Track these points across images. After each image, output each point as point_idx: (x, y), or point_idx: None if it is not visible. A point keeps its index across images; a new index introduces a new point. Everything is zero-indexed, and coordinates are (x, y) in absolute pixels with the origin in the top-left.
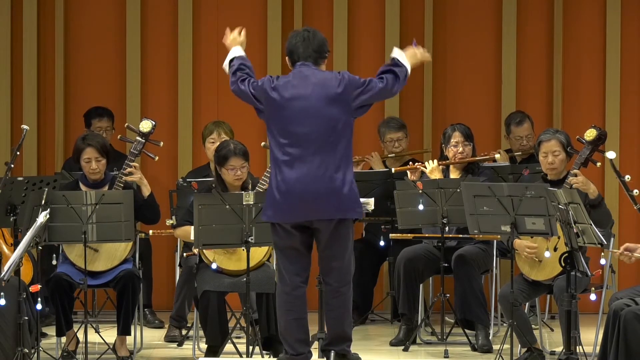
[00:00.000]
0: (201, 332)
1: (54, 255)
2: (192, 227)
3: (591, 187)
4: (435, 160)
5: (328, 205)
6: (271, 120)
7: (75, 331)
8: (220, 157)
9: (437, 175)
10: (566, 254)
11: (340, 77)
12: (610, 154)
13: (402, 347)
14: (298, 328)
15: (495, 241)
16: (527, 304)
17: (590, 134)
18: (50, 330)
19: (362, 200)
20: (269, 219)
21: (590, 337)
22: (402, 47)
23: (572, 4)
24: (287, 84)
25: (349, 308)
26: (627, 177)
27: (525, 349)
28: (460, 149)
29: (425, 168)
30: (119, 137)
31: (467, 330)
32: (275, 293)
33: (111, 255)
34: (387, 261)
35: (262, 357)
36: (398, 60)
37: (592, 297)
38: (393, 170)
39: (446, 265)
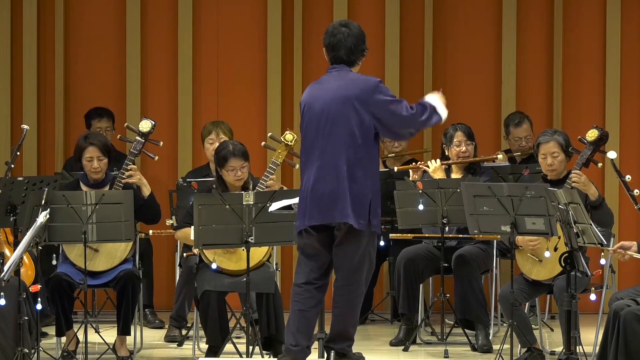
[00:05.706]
0: (201, 332)
1: (54, 255)
2: (192, 228)
3: (592, 189)
4: (438, 160)
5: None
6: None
7: (75, 331)
8: (219, 158)
9: (439, 174)
10: (566, 254)
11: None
12: (611, 154)
13: (402, 347)
14: (300, 319)
15: (495, 241)
16: (527, 304)
17: (592, 134)
18: (50, 330)
19: None
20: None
21: (590, 337)
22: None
23: (572, 4)
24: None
25: (355, 309)
26: (628, 177)
27: (525, 349)
28: (463, 149)
29: (428, 167)
30: (118, 137)
31: (467, 330)
32: (277, 292)
33: (111, 255)
34: (387, 261)
35: (262, 357)
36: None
37: (592, 297)
38: (395, 169)
39: (446, 265)
